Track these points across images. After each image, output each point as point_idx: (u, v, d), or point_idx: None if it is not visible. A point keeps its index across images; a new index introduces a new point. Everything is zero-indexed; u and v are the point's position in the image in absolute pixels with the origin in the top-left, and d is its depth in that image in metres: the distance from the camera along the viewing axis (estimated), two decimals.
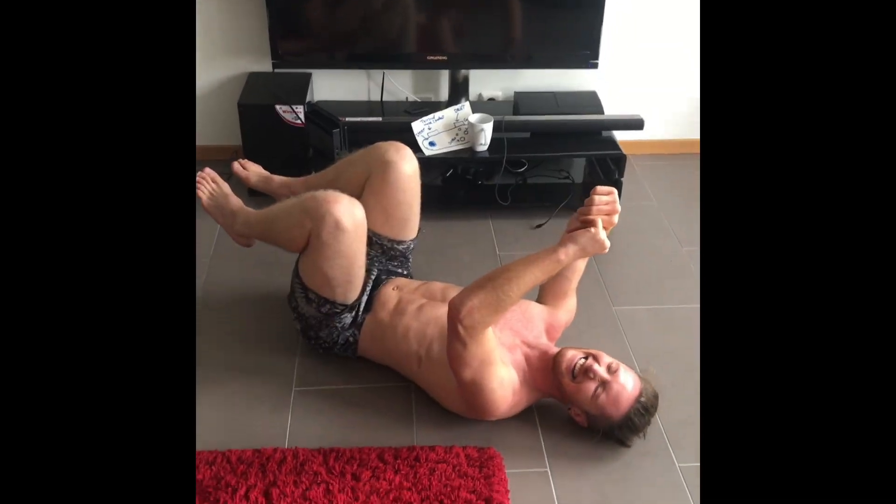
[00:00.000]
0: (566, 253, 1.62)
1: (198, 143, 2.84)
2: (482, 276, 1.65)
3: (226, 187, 2.07)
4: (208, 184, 2.06)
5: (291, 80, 2.62)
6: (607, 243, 1.60)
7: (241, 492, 1.60)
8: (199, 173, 2.06)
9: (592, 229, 1.60)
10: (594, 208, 1.62)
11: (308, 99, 2.58)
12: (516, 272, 1.62)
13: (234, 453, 1.69)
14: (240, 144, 2.62)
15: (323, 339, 1.91)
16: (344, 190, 1.83)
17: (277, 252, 2.40)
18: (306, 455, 1.69)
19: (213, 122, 2.80)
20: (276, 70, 2.55)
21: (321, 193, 1.75)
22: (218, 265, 2.34)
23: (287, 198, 2.03)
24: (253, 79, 2.65)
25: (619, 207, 1.64)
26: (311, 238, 1.76)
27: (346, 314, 1.86)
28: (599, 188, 1.64)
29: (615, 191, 1.64)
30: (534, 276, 1.63)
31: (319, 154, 2.46)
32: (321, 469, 1.66)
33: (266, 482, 1.62)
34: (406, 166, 1.91)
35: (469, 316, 1.59)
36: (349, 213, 1.73)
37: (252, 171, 2.19)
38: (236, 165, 2.18)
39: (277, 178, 2.15)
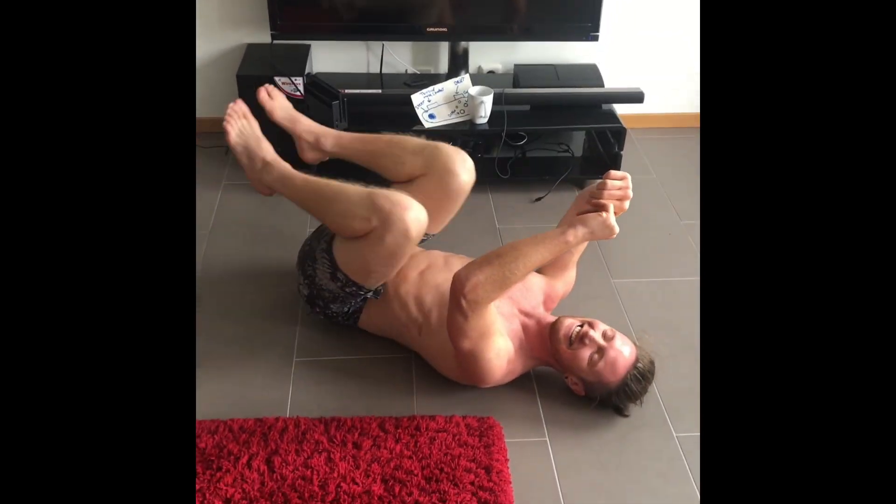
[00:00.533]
0: (575, 235, 1.62)
1: (196, 115, 2.83)
2: (489, 252, 1.66)
3: (257, 128, 1.95)
4: (238, 119, 1.93)
5: (290, 51, 2.60)
6: (617, 229, 1.60)
7: (244, 460, 1.61)
8: (230, 105, 1.94)
9: (603, 214, 1.60)
10: (606, 193, 1.62)
11: (307, 70, 2.56)
12: (524, 251, 1.62)
13: (236, 422, 1.71)
14: None
15: (333, 311, 1.91)
16: (388, 170, 1.85)
17: (276, 225, 2.40)
18: (308, 424, 1.71)
19: (211, 94, 2.78)
20: (275, 41, 2.53)
21: (395, 196, 1.69)
22: (217, 238, 2.34)
23: (311, 145, 1.99)
24: (251, 50, 2.63)
25: (631, 193, 1.64)
26: (370, 234, 1.71)
27: (367, 294, 1.87)
28: (613, 173, 1.64)
29: (628, 176, 1.64)
30: (541, 255, 1.63)
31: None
32: (322, 438, 1.67)
33: (268, 450, 1.64)
34: (466, 177, 1.88)
35: (473, 291, 1.60)
36: (418, 223, 1.69)
37: (279, 103, 2.03)
38: (262, 93, 2.02)
39: (305, 121, 2.02)
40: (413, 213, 1.68)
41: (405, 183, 1.89)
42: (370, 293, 1.85)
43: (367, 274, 1.79)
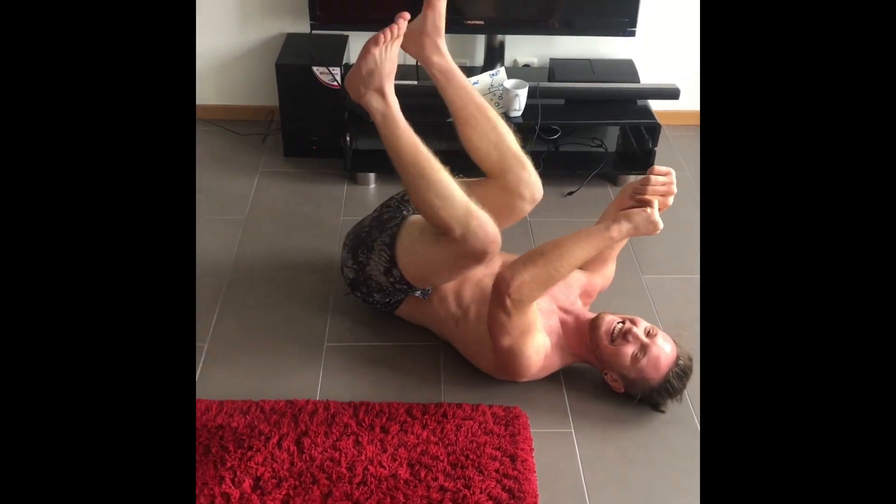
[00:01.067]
0: (619, 230, 1.62)
1: (235, 102, 2.88)
2: (532, 250, 1.67)
3: (395, 58, 1.75)
4: (392, 40, 1.72)
5: (329, 41, 2.64)
6: (661, 225, 1.60)
7: (274, 440, 1.65)
8: (401, 17, 1.73)
9: (648, 209, 1.60)
10: (650, 188, 1.62)
11: (345, 61, 2.59)
12: (568, 248, 1.63)
13: (267, 403, 1.75)
14: (277, 105, 2.65)
15: (374, 299, 1.93)
16: (464, 136, 1.85)
17: (311, 213, 2.44)
18: (337, 408, 1.74)
19: (250, 83, 2.83)
20: (314, 32, 2.57)
21: (490, 228, 1.65)
22: (252, 224, 2.39)
23: (432, 44, 1.85)
24: (290, 40, 2.67)
25: (675, 189, 1.64)
26: (445, 245, 1.70)
27: (415, 293, 1.88)
28: (657, 168, 1.64)
29: (673, 172, 1.64)
30: (585, 252, 1.64)
31: (355, 116, 2.48)
32: (351, 421, 1.71)
33: (298, 432, 1.68)
34: (527, 207, 1.90)
35: (518, 290, 1.61)
36: (492, 256, 1.69)
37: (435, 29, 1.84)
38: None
39: (445, 52, 1.87)
40: (495, 248, 1.68)
41: (470, 179, 1.85)
42: (418, 292, 1.88)
43: (424, 280, 1.81)
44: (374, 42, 1.70)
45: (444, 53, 1.87)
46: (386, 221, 1.88)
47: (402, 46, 1.84)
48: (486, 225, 1.65)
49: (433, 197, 1.68)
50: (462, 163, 1.89)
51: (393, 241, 1.81)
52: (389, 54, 1.72)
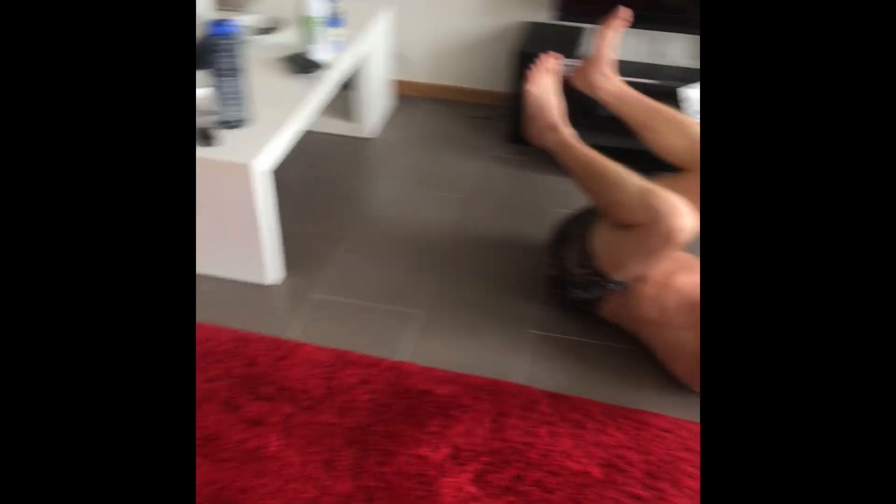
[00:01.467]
0: None
1: (471, 86, 2.98)
2: None
3: (555, 87, 1.87)
4: (546, 74, 1.88)
5: (567, 32, 2.65)
6: None
7: (474, 414, 1.71)
8: (545, 56, 1.90)
9: None
10: None
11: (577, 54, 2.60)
12: None
13: (469, 377, 1.82)
14: (507, 91, 2.71)
15: (574, 296, 1.94)
16: (650, 141, 1.88)
17: (530, 200, 2.48)
18: (535, 394, 1.77)
19: (489, 68, 2.91)
20: (554, 22, 2.59)
21: (671, 200, 1.62)
22: (474, 203, 2.47)
23: (602, 74, 1.93)
24: (531, 28, 2.71)
25: None
26: (633, 229, 1.70)
27: (610, 286, 1.88)
28: None
29: None
30: None
31: (585, 110, 2.47)
32: (548, 410, 1.73)
33: (496, 411, 1.73)
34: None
35: None
36: (683, 233, 1.63)
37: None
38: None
39: (612, 76, 1.97)
40: (681, 222, 1.62)
41: (668, 175, 1.87)
42: (614, 285, 1.87)
43: (617, 267, 1.80)
44: (528, 83, 1.83)
45: (611, 78, 1.95)
46: (582, 216, 1.94)
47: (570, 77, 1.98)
48: (667, 200, 1.62)
49: (610, 191, 1.74)
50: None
51: (587, 232, 1.85)
52: (546, 88, 1.83)
